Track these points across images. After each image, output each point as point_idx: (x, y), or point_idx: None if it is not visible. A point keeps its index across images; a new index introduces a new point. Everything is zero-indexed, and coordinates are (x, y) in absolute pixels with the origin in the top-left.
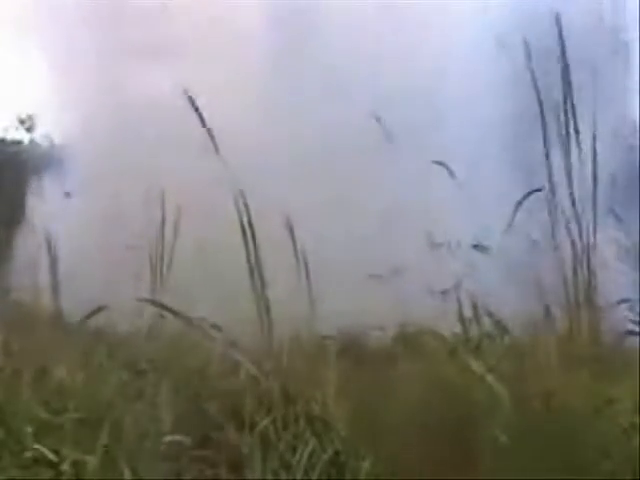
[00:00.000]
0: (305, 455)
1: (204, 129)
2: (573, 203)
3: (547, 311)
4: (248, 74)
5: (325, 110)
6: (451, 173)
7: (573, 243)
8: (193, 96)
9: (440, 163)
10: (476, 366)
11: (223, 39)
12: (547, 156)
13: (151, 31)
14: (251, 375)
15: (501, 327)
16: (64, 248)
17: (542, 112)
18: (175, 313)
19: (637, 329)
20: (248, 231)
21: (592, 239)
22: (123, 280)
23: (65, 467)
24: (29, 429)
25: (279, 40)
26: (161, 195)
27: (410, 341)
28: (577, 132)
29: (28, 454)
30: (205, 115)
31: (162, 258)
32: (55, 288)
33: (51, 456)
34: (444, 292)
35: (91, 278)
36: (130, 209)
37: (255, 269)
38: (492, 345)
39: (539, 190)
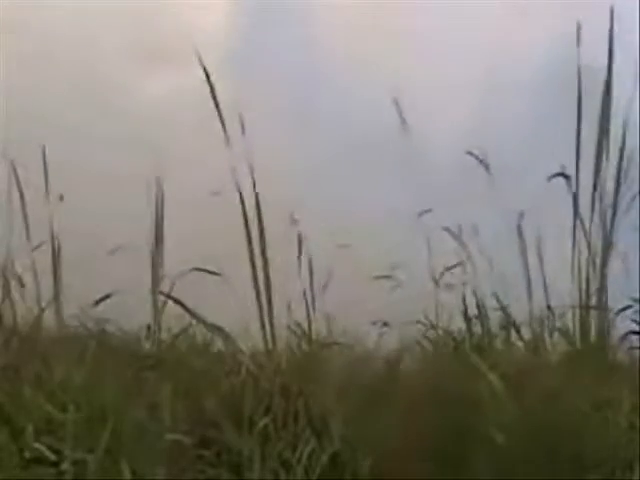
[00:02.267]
0: (305, 455)
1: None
2: (600, 199)
3: (550, 309)
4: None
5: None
6: (483, 163)
7: (588, 243)
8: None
9: (471, 154)
10: (478, 364)
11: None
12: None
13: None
14: (251, 374)
15: (511, 323)
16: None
17: (580, 103)
18: (189, 311)
19: (637, 329)
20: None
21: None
22: (122, 279)
23: (65, 466)
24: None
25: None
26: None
27: (412, 339)
28: (608, 131)
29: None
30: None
31: (161, 259)
32: (56, 285)
33: (52, 456)
34: (449, 287)
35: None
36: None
37: (258, 268)
38: (495, 342)
39: (561, 175)
